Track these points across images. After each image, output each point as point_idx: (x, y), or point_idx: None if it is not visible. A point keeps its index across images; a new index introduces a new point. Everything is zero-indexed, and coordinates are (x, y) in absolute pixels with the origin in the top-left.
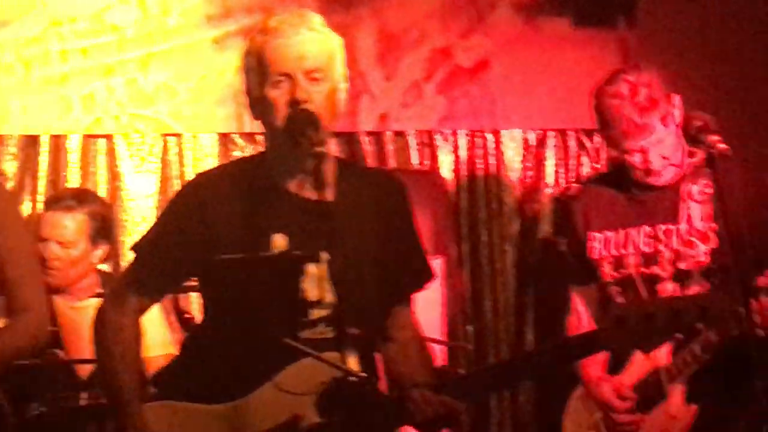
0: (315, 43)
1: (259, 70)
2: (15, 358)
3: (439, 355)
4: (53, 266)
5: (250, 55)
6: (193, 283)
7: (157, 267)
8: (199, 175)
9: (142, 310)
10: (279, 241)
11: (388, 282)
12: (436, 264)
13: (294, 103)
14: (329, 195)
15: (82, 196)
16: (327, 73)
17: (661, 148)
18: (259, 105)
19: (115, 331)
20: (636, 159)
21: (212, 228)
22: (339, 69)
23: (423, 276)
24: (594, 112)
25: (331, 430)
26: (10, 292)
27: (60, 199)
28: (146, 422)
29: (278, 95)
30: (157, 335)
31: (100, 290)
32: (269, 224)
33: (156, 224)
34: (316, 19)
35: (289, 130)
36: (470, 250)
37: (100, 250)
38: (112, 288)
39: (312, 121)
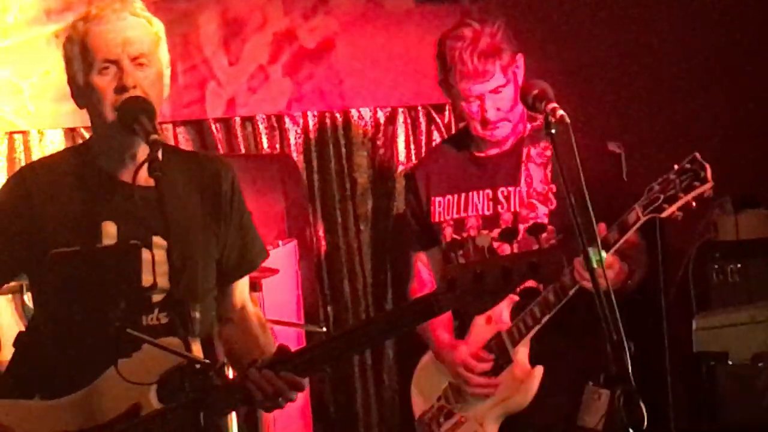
0: (139, 28)
1: (82, 58)
2: None
3: (297, 338)
4: None
5: (72, 43)
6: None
7: None
8: (24, 167)
9: None
10: (109, 229)
11: (221, 263)
12: (290, 247)
13: (122, 89)
14: (155, 180)
15: None
16: (152, 58)
17: (498, 99)
18: (84, 93)
19: None
20: (473, 107)
21: (40, 220)
22: (163, 54)
23: (255, 256)
24: (437, 60)
25: (170, 416)
26: None
27: None
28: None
29: (105, 82)
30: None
31: None
32: (98, 213)
33: None
34: (138, 4)
35: (122, 118)
36: (325, 231)
37: None
38: None
39: (145, 107)
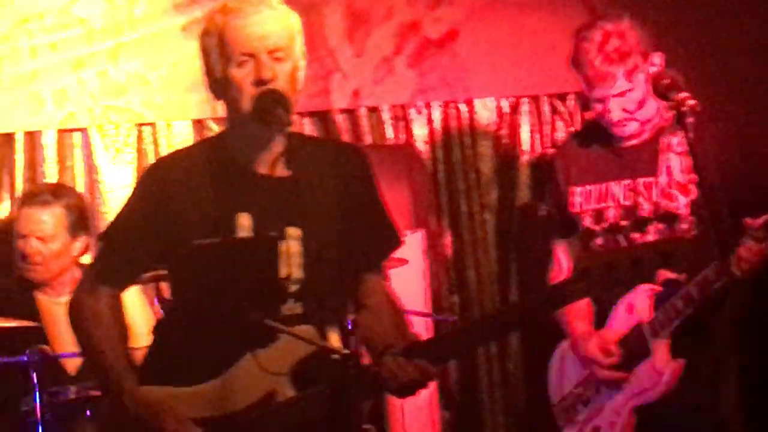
0: (276, 22)
1: (220, 51)
2: None
3: (425, 327)
4: (35, 261)
5: (210, 36)
6: (163, 272)
7: (123, 255)
8: (160, 160)
9: (115, 297)
10: (244, 221)
11: (356, 252)
12: (417, 237)
13: (259, 82)
14: (290, 171)
15: (57, 190)
16: (288, 52)
17: (623, 101)
18: (221, 85)
19: (92, 317)
20: (598, 107)
21: (176, 211)
22: (299, 47)
23: (390, 242)
24: (572, 53)
25: (305, 404)
26: None
27: (35, 194)
28: (143, 400)
29: (242, 75)
30: (143, 325)
31: None
32: (233, 204)
33: (120, 212)
34: None
35: (258, 110)
36: (450, 221)
37: (80, 242)
38: (83, 278)
39: (280, 100)
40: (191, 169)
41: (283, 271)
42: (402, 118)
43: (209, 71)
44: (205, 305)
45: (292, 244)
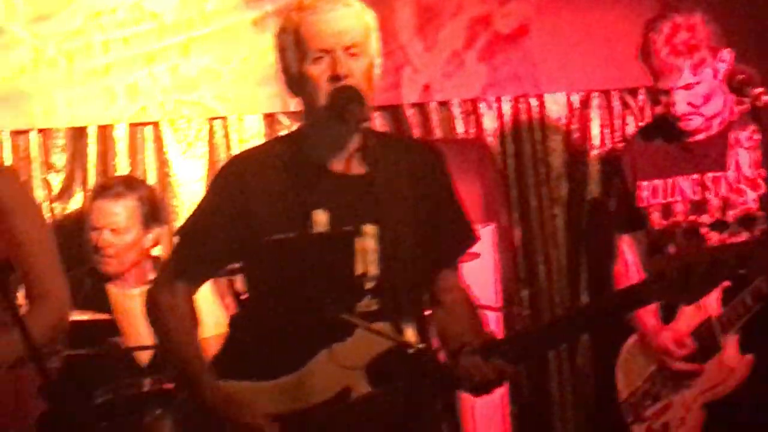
0: (352, 18)
1: (296, 47)
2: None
3: (495, 321)
4: (108, 254)
5: (286, 33)
6: (237, 265)
7: (200, 251)
8: (236, 156)
9: (191, 292)
10: (320, 218)
11: (432, 248)
12: (488, 231)
13: (335, 78)
14: (366, 168)
15: (129, 182)
16: (364, 48)
17: (689, 95)
18: (297, 82)
19: (168, 311)
20: (663, 98)
21: (252, 208)
22: (374, 43)
23: (466, 239)
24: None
25: (381, 400)
26: (29, 278)
27: (108, 187)
28: (221, 393)
29: (318, 72)
30: (211, 316)
31: (153, 276)
32: (309, 201)
33: (197, 208)
34: None
35: (333, 106)
36: (520, 215)
37: (152, 235)
38: (160, 273)
39: (356, 97)
40: (267, 166)
41: (359, 268)
42: (472, 113)
43: (285, 68)
44: (281, 300)
45: (368, 241)
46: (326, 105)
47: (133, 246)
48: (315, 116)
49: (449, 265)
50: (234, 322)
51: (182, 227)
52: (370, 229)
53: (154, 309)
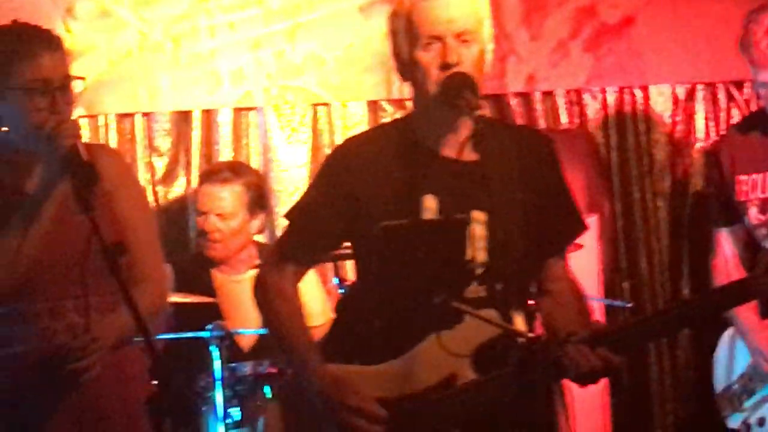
0: (464, 5)
1: (407, 33)
2: (135, 332)
3: (597, 312)
4: (214, 239)
5: (398, 18)
6: (347, 250)
7: (310, 234)
8: (347, 141)
9: (299, 275)
10: (430, 203)
11: (541, 236)
12: (591, 222)
13: (445, 66)
14: (476, 155)
15: (237, 168)
16: (476, 35)
17: None
18: (408, 67)
19: (277, 294)
20: (762, 93)
21: (362, 192)
22: (487, 30)
23: (576, 227)
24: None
25: (486, 388)
26: (130, 262)
27: (215, 172)
28: (329, 377)
29: (429, 58)
30: (316, 304)
31: (258, 262)
32: (419, 186)
33: (307, 191)
34: None
35: (445, 93)
36: (623, 206)
37: (258, 221)
38: (268, 256)
39: (469, 83)
40: (378, 151)
41: (467, 255)
42: (576, 103)
43: (396, 53)
44: (390, 285)
45: (477, 227)
46: (438, 91)
47: (239, 231)
48: (425, 102)
49: (558, 254)
50: (341, 307)
51: (292, 210)
52: (479, 215)
53: (262, 291)
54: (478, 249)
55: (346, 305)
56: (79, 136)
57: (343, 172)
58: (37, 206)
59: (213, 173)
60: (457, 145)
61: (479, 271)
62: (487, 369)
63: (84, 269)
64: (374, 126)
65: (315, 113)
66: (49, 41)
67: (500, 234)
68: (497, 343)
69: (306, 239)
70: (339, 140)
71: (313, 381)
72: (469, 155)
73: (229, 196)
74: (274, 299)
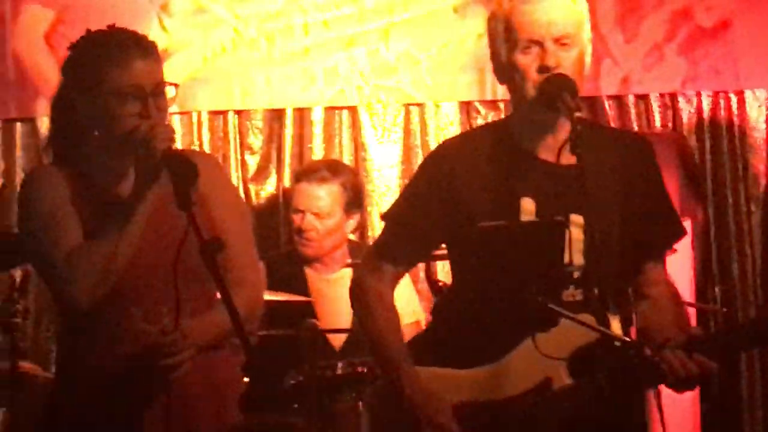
0: (563, 9)
1: (506, 36)
2: (225, 334)
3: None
4: (310, 237)
5: (497, 20)
6: (442, 251)
7: (409, 235)
8: (445, 142)
9: (397, 277)
10: (527, 206)
11: (639, 240)
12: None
13: (544, 69)
14: (574, 157)
15: (334, 167)
16: (575, 39)
17: None
18: (506, 70)
19: (375, 298)
20: None
21: (461, 194)
22: (586, 34)
23: (675, 232)
24: None
25: (582, 393)
26: (225, 266)
27: (313, 170)
28: (422, 383)
29: (527, 61)
30: (406, 304)
31: (350, 261)
32: (517, 189)
33: (405, 192)
34: None
35: (544, 95)
36: (716, 212)
37: (353, 220)
38: (366, 257)
39: (568, 86)
40: (476, 153)
41: (565, 258)
42: (671, 107)
43: (495, 55)
44: (487, 287)
45: (575, 231)
46: (537, 94)
47: (335, 231)
48: (524, 105)
49: (656, 258)
50: (437, 310)
51: (389, 211)
52: (577, 218)
53: (359, 293)
54: (575, 252)
55: (441, 308)
56: (172, 140)
57: (441, 173)
58: (131, 210)
59: (310, 172)
60: (555, 147)
61: (576, 274)
62: (582, 375)
63: (178, 273)
64: (471, 128)
65: (407, 113)
66: (143, 47)
67: (597, 238)
68: (593, 348)
69: (404, 241)
70: (431, 141)
71: (404, 388)
72: (568, 158)
73: (326, 196)
74: (371, 302)
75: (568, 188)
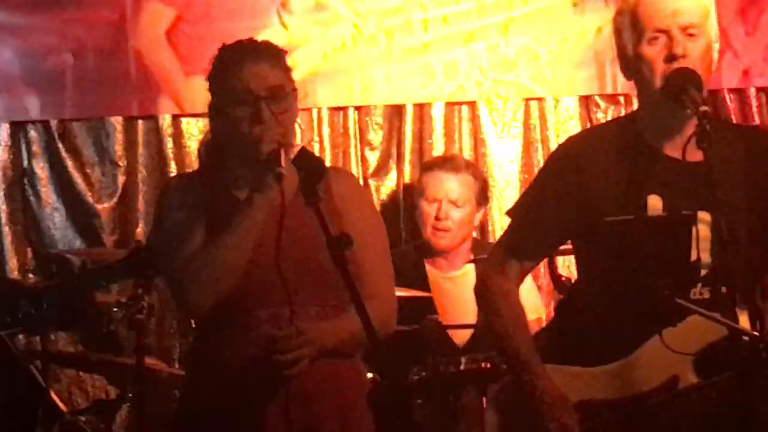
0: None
1: (632, 29)
2: (355, 345)
3: None
4: (445, 227)
5: (623, 15)
6: (568, 246)
7: (534, 230)
8: (571, 138)
9: (523, 273)
10: (654, 203)
11: (765, 241)
12: None
13: (671, 58)
14: (697, 155)
15: (461, 160)
16: (701, 29)
17: None
18: (632, 64)
19: (501, 295)
20: None
21: (587, 190)
22: (712, 27)
23: None
24: None
25: (709, 392)
26: (359, 278)
27: (447, 160)
28: (551, 382)
29: (654, 52)
30: (527, 299)
31: (473, 257)
32: (644, 185)
33: (531, 188)
34: None
35: (669, 89)
36: None
37: (480, 213)
38: (491, 255)
39: (693, 79)
40: (602, 148)
41: (692, 255)
42: None
43: (620, 50)
44: (612, 283)
45: (702, 228)
46: (662, 87)
47: (467, 222)
48: (650, 99)
49: None
50: (562, 306)
51: (515, 208)
52: (704, 216)
53: (484, 290)
54: (702, 250)
55: (567, 305)
56: (278, 142)
57: (568, 168)
58: (241, 216)
59: (444, 161)
60: (682, 144)
61: (704, 272)
62: (710, 373)
63: (303, 277)
64: (597, 124)
65: (527, 108)
66: (258, 52)
67: (726, 236)
68: (721, 346)
69: (530, 237)
70: (551, 135)
71: (534, 387)
72: (693, 154)
73: (461, 185)
74: (497, 300)
75: (695, 185)
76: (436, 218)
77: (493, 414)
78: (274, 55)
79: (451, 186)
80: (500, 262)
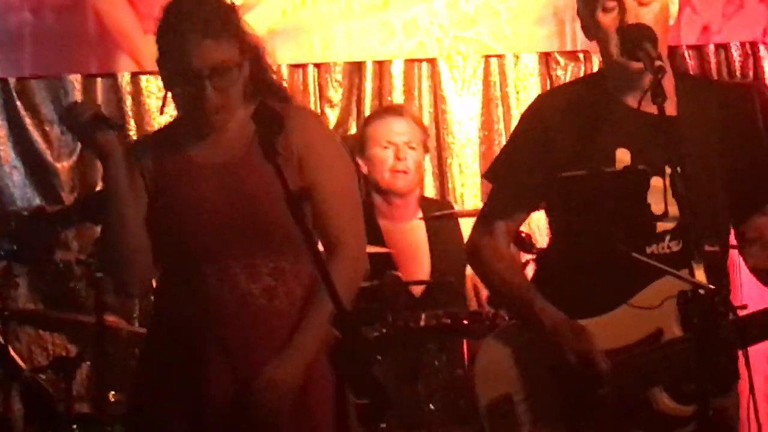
0: None
1: None
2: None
3: None
4: (404, 167)
5: None
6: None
7: (512, 190)
8: (541, 95)
9: (509, 232)
10: (622, 156)
11: (740, 192)
12: None
13: (624, 28)
14: (670, 109)
15: (405, 106)
16: None
17: None
18: (591, 28)
19: (493, 255)
20: None
21: (556, 146)
22: None
23: None
24: None
25: (689, 344)
26: (326, 230)
27: (388, 108)
28: (559, 313)
29: (609, 20)
30: None
31: (420, 215)
32: (611, 140)
33: (505, 148)
34: None
35: (625, 45)
36: None
37: (425, 163)
38: (478, 219)
39: (648, 35)
40: (570, 105)
41: (659, 209)
42: (751, 56)
43: (580, 13)
44: (576, 238)
45: (669, 181)
46: (619, 43)
47: (420, 165)
48: (609, 60)
49: (758, 210)
50: (537, 260)
51: (491, 168)
52: (671, 169)
53: (476, 255)
54: (671, 203)
55: (541, 259)
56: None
57: (538, 126)
58: (109, 186)
59: (391, 108)
60: (647, 98)
61: (670, 225)
62: (687, 325)
63: (255, 234)
64: (567, 81)
65: (486, 65)
66: (201, 23)
67: (693, 189)
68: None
69: (510, 196)
70: (511, 92)
71: (543, 321)
72: (662, 109)
73: (413, 128)
74: (491, 260)
75: (663, 138)
76: (396, 159)
77: (501, 347)
78: (221, 21)
79: (405, 128)
80: (487, 225)
